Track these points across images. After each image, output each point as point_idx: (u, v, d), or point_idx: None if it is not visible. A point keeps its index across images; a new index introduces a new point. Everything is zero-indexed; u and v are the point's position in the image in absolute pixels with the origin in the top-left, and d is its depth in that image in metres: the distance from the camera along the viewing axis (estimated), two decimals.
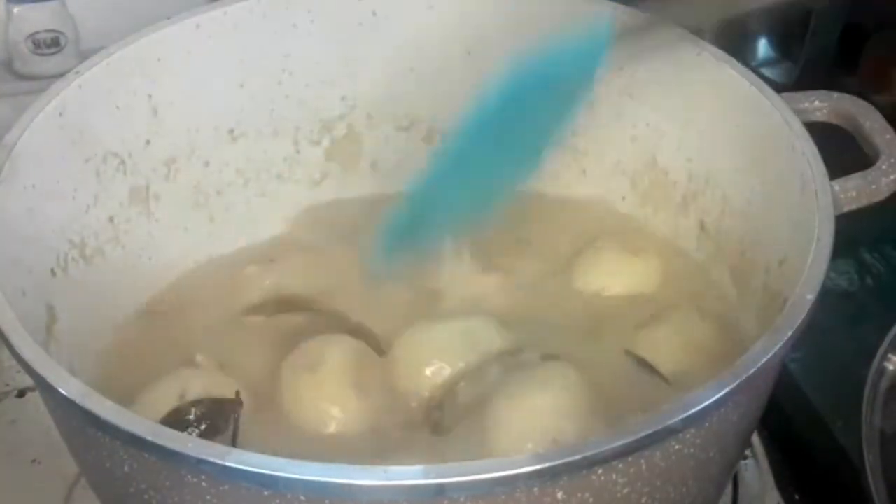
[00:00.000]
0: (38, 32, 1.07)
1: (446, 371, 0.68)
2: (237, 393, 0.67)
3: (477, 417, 0.64)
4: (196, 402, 0.66)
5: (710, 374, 0.67)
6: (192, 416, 0.65)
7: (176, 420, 0.64)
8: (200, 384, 0.67)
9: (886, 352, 0.67)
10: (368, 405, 0.67)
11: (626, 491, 0.52)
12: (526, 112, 0.68)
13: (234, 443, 0.65)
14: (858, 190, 0.66)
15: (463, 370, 0.68)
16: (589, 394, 0.64)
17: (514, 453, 0.56)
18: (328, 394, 0.67)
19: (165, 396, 0.66)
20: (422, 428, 0.67)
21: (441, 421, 0.66)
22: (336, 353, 0.69)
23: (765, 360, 0.53)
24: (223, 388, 0.67)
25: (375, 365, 0.70)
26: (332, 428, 0.67)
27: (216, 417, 0.66)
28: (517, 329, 0.71)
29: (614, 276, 0.76)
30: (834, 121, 0.71)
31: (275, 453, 0.53)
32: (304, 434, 0.67)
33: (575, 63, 0.67)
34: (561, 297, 0.76)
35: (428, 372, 0.68)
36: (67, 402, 0.52)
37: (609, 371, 0.69)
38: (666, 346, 0.69)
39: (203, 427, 0.65)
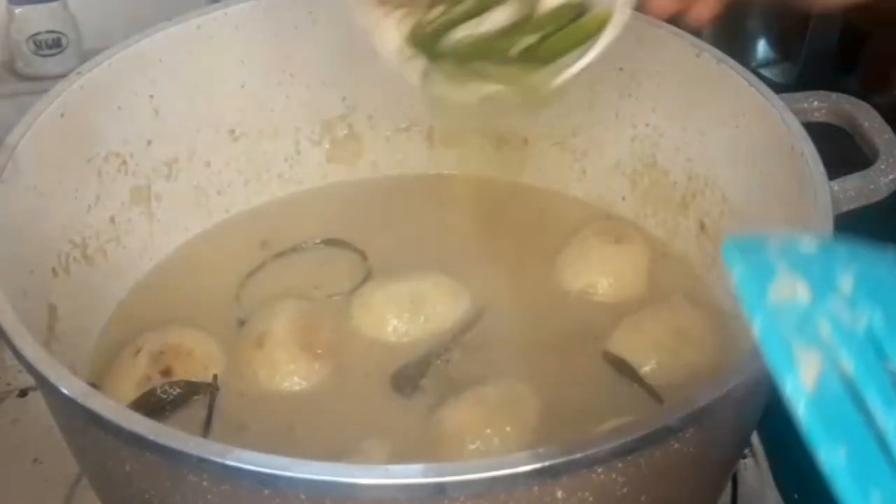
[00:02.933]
0: (39, 33, 1.07)
1: (400, 326, 0.72)
2: (214, 377, 0.68)
3: (437, 404, 0.67)
4: (173, 384, 0.67)
5: (703, 365, 0.68)
6: (167, 397, 0.67)
7: (151, 400, 0.66)
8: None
9: None
10: (326, 361, 0.70)
11: (625, 490, 0.52)
12: None
13: (208, 425, 0.66)
14: (857, 190, 0.66)
15: (421, 328, 0.72)
16: (540, 407, 0.66)
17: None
18: (281, 364, 0.69)
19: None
20: (388, 387, 0.69)
21: (411, 394, 0.69)
22: (278, 322, 0.71)
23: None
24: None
25: (326, 322, 0.72)
26: (297, 388, 0.69)
27: (190, 399, 0.67)
28: (494, 317, 0.73)
29: (602, 271, 0.76)
30: (833, 121, 0.71)
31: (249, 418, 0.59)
32: (276, 397, 0.69)
33: None
34: (545, 290, 0.76)
35: (384, 326, 0.72)
36: (69, 402, 0.52)
37: (583, 371, 0.70)
38: (652, 334, 0.70)
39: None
